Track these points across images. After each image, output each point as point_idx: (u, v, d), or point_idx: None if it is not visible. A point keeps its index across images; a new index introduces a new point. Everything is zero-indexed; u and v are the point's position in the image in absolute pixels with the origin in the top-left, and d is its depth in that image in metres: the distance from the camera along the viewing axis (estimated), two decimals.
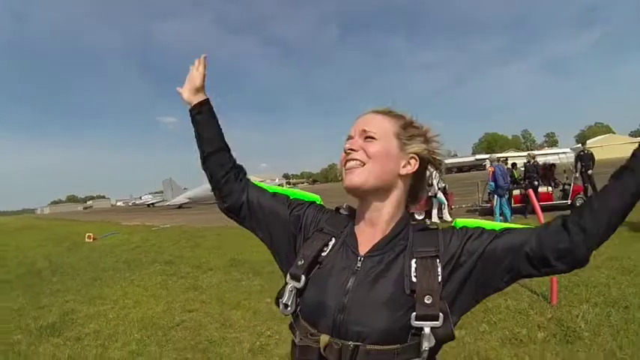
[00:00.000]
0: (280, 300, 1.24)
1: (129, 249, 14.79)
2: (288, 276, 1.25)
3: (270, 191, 1.51)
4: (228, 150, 1.54)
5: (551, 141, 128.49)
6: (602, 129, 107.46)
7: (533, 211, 12.47)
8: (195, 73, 1.56)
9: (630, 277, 6.00)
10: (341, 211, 1.41)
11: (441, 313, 1.07)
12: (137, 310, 6.69)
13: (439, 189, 14.70)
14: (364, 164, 1.22)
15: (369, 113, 1.32)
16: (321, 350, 1.11)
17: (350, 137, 1.30)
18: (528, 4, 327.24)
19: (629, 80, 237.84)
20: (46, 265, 12.26)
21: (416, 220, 1.32)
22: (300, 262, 1.25)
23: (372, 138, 1.24)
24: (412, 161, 1.28)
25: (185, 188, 53.65)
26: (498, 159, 13.86)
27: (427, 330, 1.05)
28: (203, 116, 1.52)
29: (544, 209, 5.88)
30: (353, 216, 1.37)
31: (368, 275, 1.17)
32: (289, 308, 1.22)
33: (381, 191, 1.26)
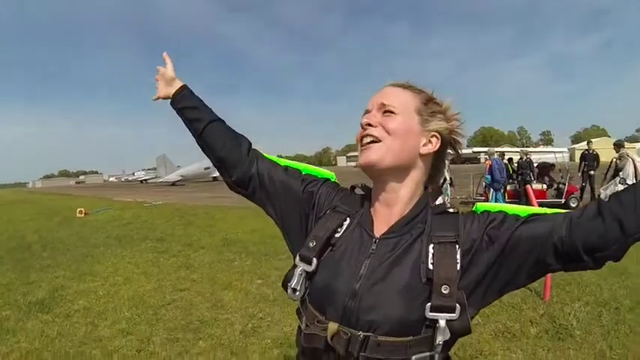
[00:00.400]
0: (288, 284, 1.15)
1: (120, 225, 14.72)
2: (298, 258, 1.17)
3: (282, 165, 1.43)
4: (223, 121, 1.47)
5: (547, 139, 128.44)
6: (597, 132, 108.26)
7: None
8: (165, 68, 1.54)
9: (621, 278, 6.02)
10: (356, 190, 1.32)
11: (457, 305, 0.98)
12: (127, 288, 6.65)
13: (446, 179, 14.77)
14: (382, 140, 1.12)
15: (388, 86, 1.23)
16: (328, 339, 1.03)
17: (367, 111, 1.21)
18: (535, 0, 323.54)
19: (628, 87, 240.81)
20: (37, 240, 12.15)
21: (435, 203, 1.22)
22: (311, 244, 1.16)
23: (392, 112, 1.14)
24: (433, 140, 1.18)
25: (178, 166, 53.21)
26: (499, 153, 13.83)
27: (442, 323, 0.97)
28: (186, 101, 1.48)
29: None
30: (369, 196, 1.27)
31: (383, 260, 1.08)
32: (298, 293, 1.14)
33: (399, 170, 1.16)
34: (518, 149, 15.93)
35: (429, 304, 0.98)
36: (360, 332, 1.01)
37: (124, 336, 4.74)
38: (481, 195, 15.17)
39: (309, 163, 1.48)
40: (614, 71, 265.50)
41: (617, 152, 11.12)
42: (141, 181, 69.05)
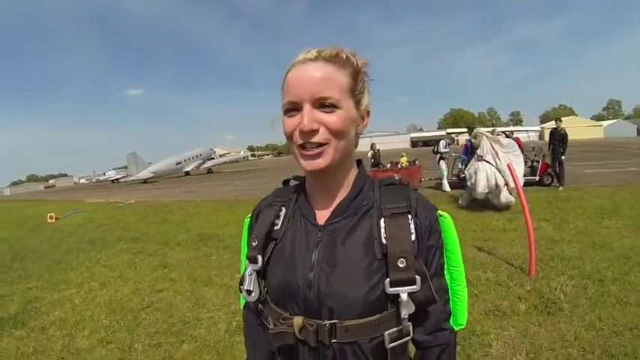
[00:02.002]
0: (241, 286, 1.13)
1: (93, 227, 14.31)
2: (247, 261, 1.13)
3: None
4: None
5: (516, 119, 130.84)
6: (565, 111, 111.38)
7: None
8: None
9: (602, 251, 6.12)
10: (290, 182, 1.25)
11: (417, 276, 0.96)
12: (104, 293, 6.42)
13: (443, 157, 15.26)
14: (328, 143, 0.99)
15: (316, 62, 1.00)
16: (297, 333, 1.00)
17: (296, 105, 0.99)
18: None
19: (594, 67, 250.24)
20: (6, 250, 11.58)
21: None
22: (254, 243, 1.11)
23: (334, 106, 0.97)
24: (365, 115, 1.09)
25: (150, 162, 52.44)
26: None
27: (404, 296, 0.95)
28: None
29: None
30: (303, 184, 1.19)
31: (331, 245, 1.04)
32: (253, 294, 1.10)
33: (342, 161, 1.06)
34: (490, 129, 15.93)
35: (388, 279, 0.96)
36: (326, 321, 0.98)
37: (104, 346, 4.55)
38: (455, 176, 15.28)
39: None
40: (580, 53, 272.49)
41: (470, 134, 11.64)
42: (112, 181, 67.68)
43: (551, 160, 13.69)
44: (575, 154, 18.01)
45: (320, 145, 0.98)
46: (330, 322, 0.98)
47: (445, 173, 15.04)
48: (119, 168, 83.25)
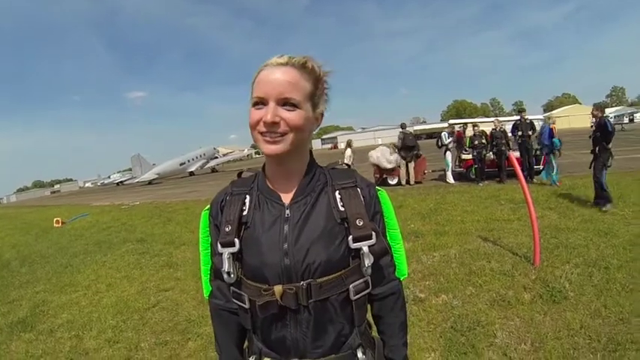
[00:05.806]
0: (221, 270, 1.21)
1: (99, 230, 14.42)
2: (219, 246, 1.23)
3: (207, 260, 1.42)
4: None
5: (519, 109, 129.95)
6: (569, 99, 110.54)
7: (509, 176, 12.62)
8: None
9: (607, 238, 6.09)
10: (244, 174, 1.41)
11: (372, 232, 1.19)
12: (111, 294, 6.47)
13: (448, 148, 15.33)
14: (285, 134, 1.16)
15: (284, 67, 1.17)
16: (279, 300, 1.15)
17: (261, 100, 1.15)
18: None
19: (597, 54, 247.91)
20: (14, 256, 11.73)
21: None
22: (227, 229, 1.23)
23: (294, 106, 1.15)
24: (320, 117, 1.29)
25: (154, 164, 52.62)
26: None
27: (365, 249, 1.17)
28: None
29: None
30: (261, 173, 1.35)
31: (299, 218, 1.21)
32: (232, 275, 1.21)
33: (296, 151, 1.23)
34: (492, 119, 15.78)
35: (351, 236, 1.17)
36: (302, 282, 1.15)
37: (111, 345, 4.59)
38: (458, 166, 15.22)
39: None
40: (583, 39, 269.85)
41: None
42: (117, 184, 67.79)
43: (519, 153, 13.39)
44: (578, 142, 17.83)
45: (279, 135, 1.15)
46: (306, 282, 1.15)
47: (450, 165, 14.96)
48: (124, 170, 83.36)
